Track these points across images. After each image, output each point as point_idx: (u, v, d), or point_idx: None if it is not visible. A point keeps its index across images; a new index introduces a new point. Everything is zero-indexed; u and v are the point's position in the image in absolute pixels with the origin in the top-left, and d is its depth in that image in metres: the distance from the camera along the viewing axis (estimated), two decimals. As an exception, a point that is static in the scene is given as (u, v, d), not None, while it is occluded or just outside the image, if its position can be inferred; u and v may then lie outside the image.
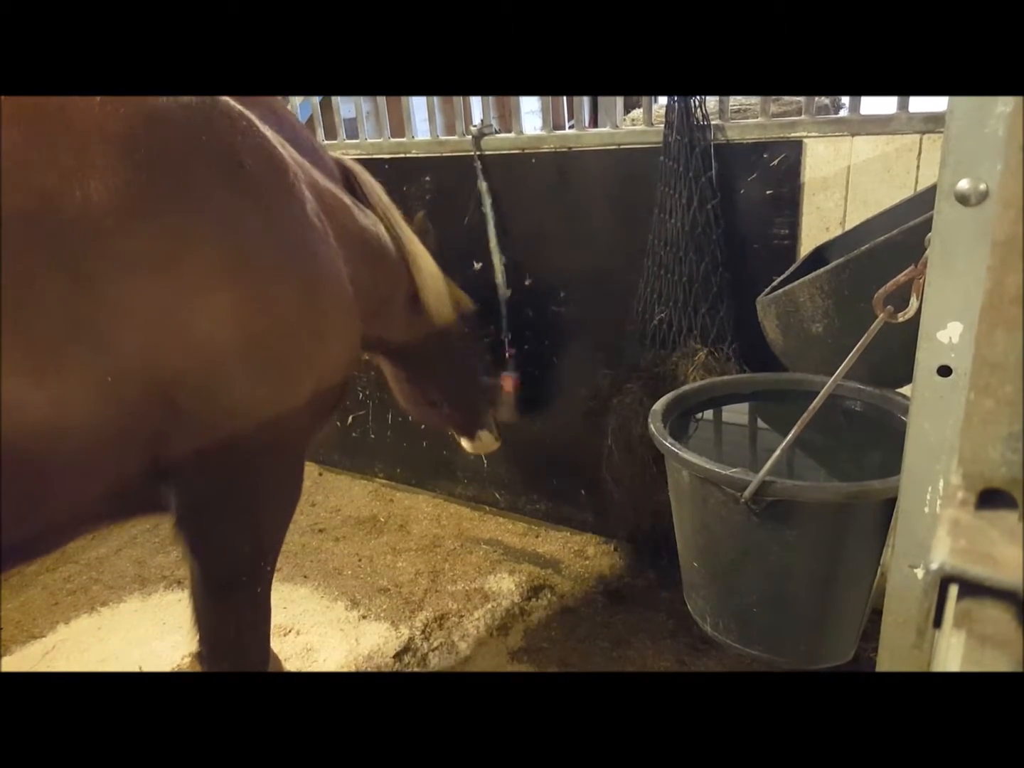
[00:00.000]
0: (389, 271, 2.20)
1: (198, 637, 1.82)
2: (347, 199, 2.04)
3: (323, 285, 1.73)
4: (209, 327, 1.49)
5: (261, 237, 1.58)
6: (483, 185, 2.81)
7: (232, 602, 1.80)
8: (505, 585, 2.80)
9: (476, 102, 4.34)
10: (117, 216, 1.36)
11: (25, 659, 2.54)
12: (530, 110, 3.68)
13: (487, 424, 2.78)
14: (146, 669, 2.44)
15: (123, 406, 1.41)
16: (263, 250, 1.58)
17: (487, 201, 2.82)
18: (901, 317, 1.27)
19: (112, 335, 1.37)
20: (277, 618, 2.64)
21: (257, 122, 1.66)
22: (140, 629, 2.68)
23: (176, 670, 2.41)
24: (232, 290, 1.51)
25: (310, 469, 3.84)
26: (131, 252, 1.39)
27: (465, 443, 2.83)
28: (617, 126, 2.62)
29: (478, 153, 2.79)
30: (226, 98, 1.62)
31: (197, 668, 1.89)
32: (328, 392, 1.82)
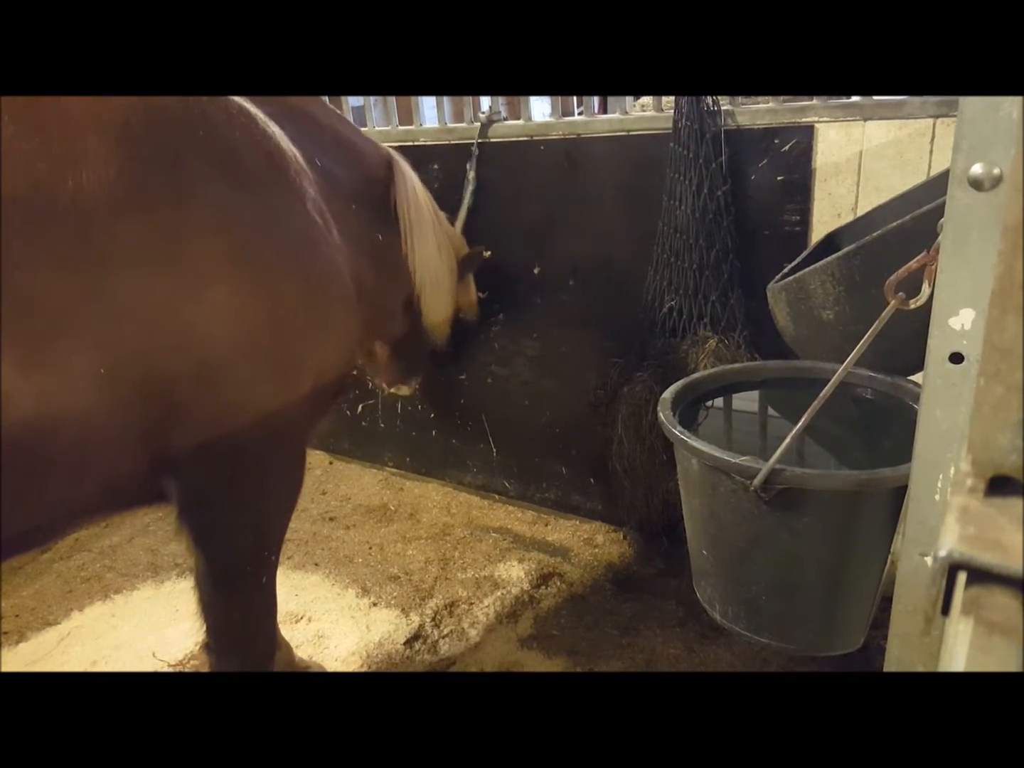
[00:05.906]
0: (398, 288, 2.32)
1: (204, 628, 1.83)
2: (360, 218, 2.04)
3: (323, 278, 1.73)
4: (206, 322, 1.47)
5: (259, 230, 1.57)
6: (471, 174, 2.86)
7: (238, 593, 1.80)
8: (515, 573, 2.81)
9: (485, 89, 4.33)
10: (110, 207, 1.34)
11: (40, 646, 2.57)
12: (539, 97, 3.65)
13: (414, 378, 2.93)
14: (159, 656, 2.46)
15: (117, 401, 1.39)
16: (261, 243, 1.58)
17: (469, 188, 2.87)
18: (913, 304, 1.26)
19: (104, 329, 1.35)
20: (289, 605, 2.67)
21: (260, 118, 1.67)
22: (153, 616, 2.70)
23: (188, 656, 2.43)
24: (230, 283, 1.50)
25: (321, 458, 3.86)
26: (124, 244, 1.37)
27: (387, 387, 2.97)
28: (626, 112, 2.60)
29: (478, 141, 2.80)
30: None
31: (205, 657, 1.90)
32: (328, 383, 1.82)
